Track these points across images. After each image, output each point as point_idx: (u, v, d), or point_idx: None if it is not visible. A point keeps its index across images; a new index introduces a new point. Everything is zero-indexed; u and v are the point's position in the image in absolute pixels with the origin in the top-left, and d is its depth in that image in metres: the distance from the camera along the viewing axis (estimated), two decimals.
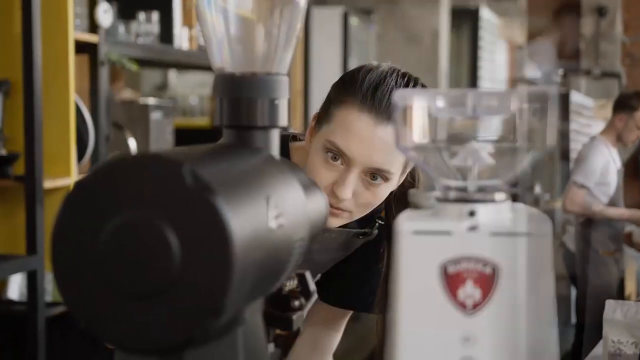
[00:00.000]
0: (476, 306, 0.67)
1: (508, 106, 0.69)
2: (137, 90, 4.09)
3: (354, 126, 1.25)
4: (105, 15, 2.70)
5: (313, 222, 0.81)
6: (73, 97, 2.57)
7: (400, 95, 0.71)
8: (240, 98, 0.80)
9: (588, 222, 4.40)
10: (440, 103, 0.70)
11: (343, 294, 1.48)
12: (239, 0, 0.83)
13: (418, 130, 0.71)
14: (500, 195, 0.70)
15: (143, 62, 3.27)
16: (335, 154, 1.26)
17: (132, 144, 3.02)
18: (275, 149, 0.82)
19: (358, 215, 1.31)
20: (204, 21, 0.84)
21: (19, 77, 2.42)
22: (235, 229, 0.60)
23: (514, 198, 0.72)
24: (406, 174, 1.35)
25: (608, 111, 8.36)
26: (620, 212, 4.53)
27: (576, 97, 7.22)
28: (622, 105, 4.45)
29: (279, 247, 0.70)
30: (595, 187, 4.38)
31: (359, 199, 1.28)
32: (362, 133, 1.24)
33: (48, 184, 2.48)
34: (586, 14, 9.02)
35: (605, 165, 4.40)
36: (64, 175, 2.56)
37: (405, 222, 0.69)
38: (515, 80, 9.10)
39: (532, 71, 5.21)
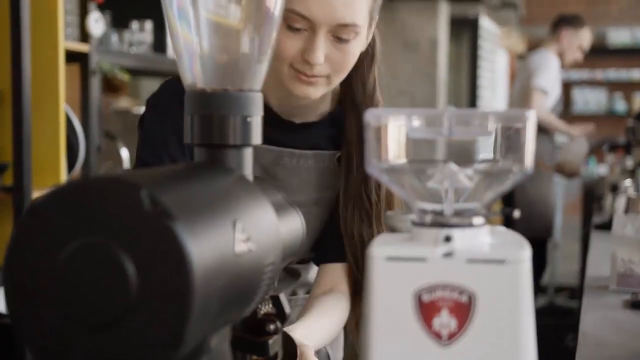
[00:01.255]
0: (452, 336, 0.64)
1: (485, 127, 0.66)
2: (136, 98, 4.06)
3: None
4: (96, 24, 2.67)
5: (287, 244, 0.78)
6: (63, 106, 2.54)
7: (373, 115, 0.68)
8: (212, 115, 0.77)
9: None
10: (416, 123, 0.67)
11: (339, 247, 1.39)
12: (211, 13, 0.80)
13: (392, 151, 0.68)
14: (478, 219, 0.67)
15: (136, 72, 3.24)
16: (296, 21, 1.21)
17: (125, 154, 2.99)
18: (248, 168, 0.79)
19: (336, 79, 1.28)
20: (175, 35, 0.81)
21: (9, 87, 2.40)
22: (195, 256, 0.57)
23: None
24: (373, 28, 1.32)
25: (512, 39, 8.38)
26: (571, 127, 4.61)
27: (485, 23, 7.23)
28: (568, 22, 4.51)
29: (247, 273, 0.67)
30: (549, 95, 4.43)
31: (332, 61, 1.24)
32: None
33: (37, 195, 2.45)
34: None
35: (556, 74, 4.45)
36: (54, 186, 2.53)
37: (379, 248, 0.66)
38: None
39: None
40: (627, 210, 2.68)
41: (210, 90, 0.78)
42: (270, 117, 1.33)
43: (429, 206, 0.69)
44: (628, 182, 2.99)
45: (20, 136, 2.36)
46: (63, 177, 2.57)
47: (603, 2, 9.71)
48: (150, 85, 3.52)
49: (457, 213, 0.67)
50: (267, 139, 1.31)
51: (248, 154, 0.79)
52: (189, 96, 0.79)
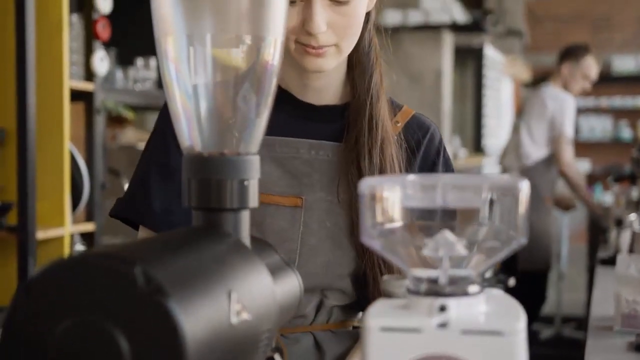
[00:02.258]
0: None
1: (478, 196, 0.66)
2: (143, 129, 4.07)
3: None
4: (101, 63, 2.69)
5: (283, 307, 0.78)
6: (68, 146, 2.55)
7: (367, 184, 0.68)
8: (209, 179, 0.77)
9: (535, 166, 4.44)
10: (409, 191, 0.68)
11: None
12: (209, 78, 0.80)
13: (386, 219, 0.68)
14: (473, 288, 0.67)
15: (141, 108, 3.26)
16: None
17: None
18: (244, 231, 0.79)
19: (347, 47, 1.21)
20: (173, 99, 0.82)
21: (14, 126, 2.41)
22: (189, 332, 0.58)
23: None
24: None
25: (517, 68, 8.41)
26: (592, 202, 4.64)
27: (489, 52, 7.25)
28: (569, 54, 4.54)
29: (242, 343, 0.67)
30: None
31: (336, 26, 1.17)
32: None
33: (41, 234, 2.45)
34: None
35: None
36: (58, 225, 2.54)
37: (374, 318, 0.66)
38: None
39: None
40: (632, 244, 2.68)
41: (208, 154, 0.78)
42: (287, 100, 1.29)
43: (424, 273, 0.69)
44: (633, 217, 2.98)
45: (25, 175, 2.36)
46: (67, 216, 2.57)
47: (607, 30, 9.73)
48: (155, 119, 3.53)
49: (452, 281, 0.68)
50: (281, 128, 1.27)
51: (245, 216, 0.79)
52: (186, 160, 0.79)
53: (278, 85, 1.29)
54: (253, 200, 0.79)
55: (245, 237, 0.79)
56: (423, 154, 1.31)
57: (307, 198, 1.24)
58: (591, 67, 4.56)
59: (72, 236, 2.70)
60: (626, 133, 9.72)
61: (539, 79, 9.58)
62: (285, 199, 1.24)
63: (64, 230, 2.55)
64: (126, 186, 3.04)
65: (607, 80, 9.50)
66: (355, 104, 1.27)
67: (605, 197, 8.10)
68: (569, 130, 4.41)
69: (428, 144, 1.32)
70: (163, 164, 1.25)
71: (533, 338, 5.11)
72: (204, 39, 0.78)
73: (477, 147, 7.33)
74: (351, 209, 1.24)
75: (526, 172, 4.51)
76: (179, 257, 0.65)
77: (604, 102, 9.66)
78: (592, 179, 9.61)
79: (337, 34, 1.18)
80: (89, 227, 2.75)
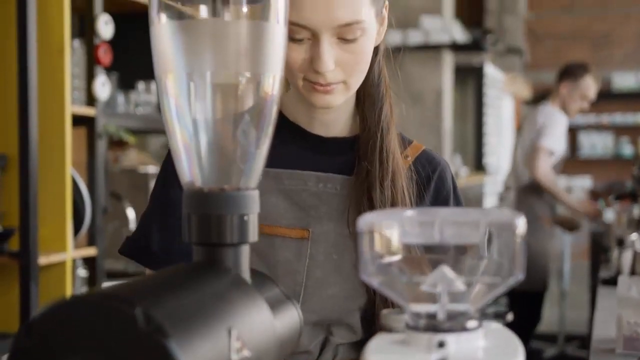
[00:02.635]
0: None
1: (476, 232, 0.67)
2: (145, 151, 4.09)
3: None
4: (103, 88, 2.70)
5: (283, 342, 0.79)
6: (70, 171, 2.56)
7: (365, 220, 0.69)
8: (209, 215, 0.78)
9: (532, 187, 4.43)
10: (407, 227, 0.68)
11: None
12: (208, 112, 0.81)
13: (384, 255, 0.69)
14: (471, 323, 0.68)
15: (142, 131, 3.28)
16: (296, 32, 1.13)
17: (131, 214, 3.00)
18: (244, 265, 0.80)
19: (355, 83, 1.20)
20: (173, 135, 0.82)
21: (16, 152, 2.42)
22: None
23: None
24: (385, 15, 1.23)
25: (518, 85, 8.45)
26: (575, 201, 4.62)
27: (490, 70, 7.27)
28: (567, 73, 4.53)
29: None
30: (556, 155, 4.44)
31: (344, 64, 1.16)
32: None
33: (43, 259, 2.46)
34: None
35: (563, 132, 4.47)
36: (60, 250, 2.54)
37: (373, 354, 0.66)
38: None
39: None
40: (634, 265, 2.68)
41: (208, 189, 0.79)
42: (296, 133, 1.29)
43: (423, 308, 0.69)
44: (634, 236, 2.98)
45: (27, 201, 2.37)
46: (69, 241, 2.58)
47: (607, 47, 9.77)
48: (157, 142, 3.55)
49: (451, 317, 0.68)
50: (290, 161, 1.28)
51: (245, 251, 0.80)
52: (187, 195, 0.80)
53: (287, 118, 1.30)
54: (253, 234, 0.80)
55: (245, 271, 0.80)
56: (434, 191, 1.30)
57: (314, 230, 1.24)
58: (590, 87, 4.55)
59: (74, 261, 2.71)
60: (627, 149, 9.74)
61: (540, 97, 9.62)
62: (292, 231, 1.24)
63: (65, 255, 2.56)
64: (128, 210, 3.04)
65: (608, 97, 9.54)
66: (366, 137, 1.26)
67: (607, 214, 8.12)
68: (547, 142, 4.37)
69: (438, 181, 1.31)
70: (164, 202, 1.27)
71: (536, 357, 5.10)
72: (203, 76, 0.79)
73: (478, 165, 7.34)
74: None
75: (522, 191, 4.53)
76: (179, 295, 0.65)
77: (605, 118, 9.69)
78: (593, 196, 9.63)
79: (345, 71, 1.17)
80: (90, 251, 2.76)
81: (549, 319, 5.96)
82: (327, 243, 1.24)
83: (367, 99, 1.27)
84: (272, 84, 0.82)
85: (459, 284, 0.68)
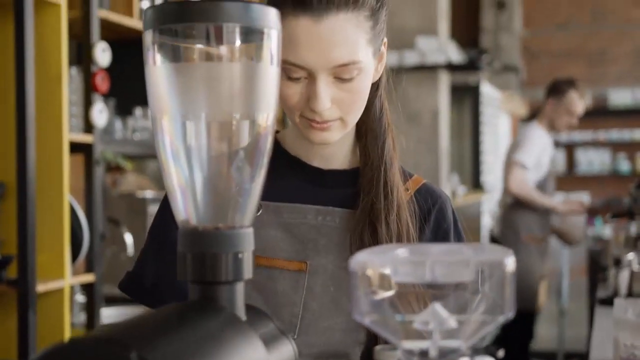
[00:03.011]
0: None
1: (466, 271, 0.68)
2: (143, 174, 4.10)
3: (296, 34, 1.13)
4: (100, 115, 2.72)
5: None
6: (67, 198, 2.57)
7: (357, 260, 0.70)
8: (204, 253, 0.79)
9: (515, 205, 4.43)
10: (399, 267, 0.69)
11: None
12: (203, 152, 0.82)
13: (376, 294, 0.70)
14: (463, 359, 0.68)
15: (140, 157, 3.29)
16: (293, 71, 1.14)
17: (129, 239, 3.01)
18: (239, 302, 0.81)
19: (352, 120, 1.20)
20: (168, 173, 0.83)
21: (14, 180, 2.43)
22: None
23: None
24: (384, 52, 1.24)
25: (514, 103, 8.47)
26: (556, 202, 4.61)
27: (486, 89, 7.30)
28: (552, 90, 4.55)
29: None
30: (532, 169, 4.43)
31: (341, 102, 1.17)
32: (306, 37, 1.13)
33: (41, 287, 2.46)
34: (486, 7, 9.16)
35: (543, 148, 4.47)
36: (58, 277, 2.55)
37: None
38: None
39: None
40: (630, 285, 2.68)
41: (202, 228, 0.80)
42: (296, 166, 1.30)
43: (415, 345, 0.70)
44: (631, 256, 2.98)
45: (25, 229, 2.38)
46: (67, 268, 2.59)
47: (603, 64, 9.81)
48: (155, 165, 3.56)
49: (443, 354, 0.69)
50: (290, 194, 1.29)
51: (240, 288, 0.81)
52: (182, 233, 0.81)
53: (287, 151, 1.31)
54: (247, 272, 0.81)
55: (240, 308, 0.81)
56: (434, 224, 1.30)
57: (311, 263, 1.24)
58: (574, 102, 4.54)
59: (72, 287, 2.71)
60: (625, 166, 9.76)
61: (536, 114, 9.66)
62: (290, 264, 1.24)
63: (64, 282, 2.56)
64: (126, 235, 3.04)
65: (605, 114, 9.57)
66: (369, 170, 1.27)
67: (605, 230, 8.11)
68: (520, 156, 4.39)
69: (438, 214, 1.31)
70: (161, 240, 1.29)
71: None
72: (198, 117, 0.80)
73: (475, 183, 7.35)
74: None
75: (507, 210, 4.56)
76: (174, 337, 0.66)
77: (602, 135, 9.72)
78: (591, 213, 9.65)
79: (341, 109, 1.18)
80: (89, 277, 2.76)
81: (548, 337, 5.95)
82: (325, 275, 1.24)
83: (369, 133, 1.28)
84: (266, 122, 0.83)
85: (451, 322, 0.69)
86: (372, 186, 1.25)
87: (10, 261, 2.43)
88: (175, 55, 0.79)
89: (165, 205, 1.29)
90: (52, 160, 2.53)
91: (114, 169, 3.42)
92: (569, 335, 5.49)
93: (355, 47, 1.14)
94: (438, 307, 0.69)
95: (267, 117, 0.83)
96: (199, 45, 0.81)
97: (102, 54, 2.71)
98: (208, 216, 0.82)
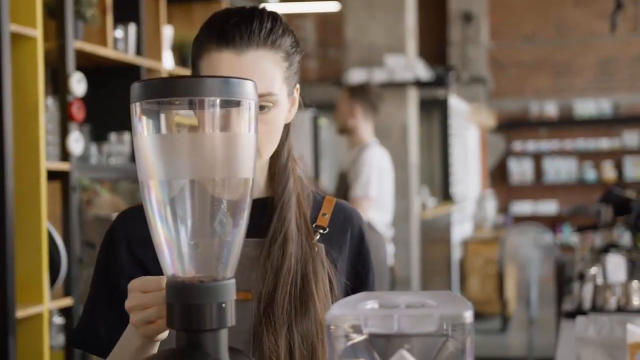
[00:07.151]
0: None
1: (430, 323, 0.76)
2: (116, 193, 4.13)
3: (219, 67, 1.20)
4: (76, 143, 2.78)
5: None
6: (45, 225, 2.62)
7: (332, 316, 0.78)
8: (190, 305, 0.87)
9: None
10: (370, 321, 0.77)
11: None
12: (187, 212, 0.90)
13: (349, 342, 0.78)
14: None
15: (115, 181, 3.35)
16: None
17: None
18: (223, 347, 0.89)
19: (265, 151, 1.24)
20: (155, 231, 0.91)
21: None
22: None
23: None
24: (297, 97, 1.30)
25: (482, 114, 8.60)
26: None
27: (454, 102, 7.44)
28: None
29: None
30: None
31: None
32: (229, 69, 1.19)
33: (20, 313, 2.51)
34: (453, 20, 9.34)
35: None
36: (37, 303, 2.60)
37: None
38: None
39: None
40: (594, 298, 2.77)
41: (188, 281, 0.88)
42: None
43: None
44: (594, 270, 3.08)
45: (4, 256, 2.43)
46: (46, 293, 2.64)
47: (569, 75, 9.99)
48: (130, 188, 3.61)
49: None
50: None
51: (224, 334, 0.89)
52: (170, 285, 0.89)
53: None
54: (230, 319, 0.89)
55: (224, 352, 0.89)
56: (350, 244, 1.34)
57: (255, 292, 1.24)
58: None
59: (50, 312, 2.76)
60: (591, 174, 9.95)
61: (504, 125, 9.88)
62: (238, 294, 1.24)
63: (42, 307, 2.61)
64: None
65: (570, 124, 9.76)
66: (272, 204, 1.30)
67: (573, 238, 8.27)
68: None
69: (352, 231, 1.35)
70: (107, 288, 1.27)
71: None
72: (183, 180, 0.88)
73: (445, 195, 7.47)
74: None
75: None
76: None
77: (568, 144, 9.89)
78: (559, 220, 9.84)
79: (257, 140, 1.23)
80: (67, 301, 2.81)
81: (518, 344, 6.06)
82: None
83: (275, 174, 1.31)
84: (246, 182, 0.91)
85: None
86: (273, 218, 1.27)
87: None
88: (160, 126, 0.87)
89: (107, 248, 1.29)
90: (30, 188, 2.58)
91: (89, 189, 3.47)
92: (539, 342, 5.60)
93: (273, 81, 1.22)
94: (405, 353, 0.78)
95: (245, 177, 0.91)
96: (183, 117, 0.89)
97: (78, 85, 2.77)
98: (193, 270, 0.90)
